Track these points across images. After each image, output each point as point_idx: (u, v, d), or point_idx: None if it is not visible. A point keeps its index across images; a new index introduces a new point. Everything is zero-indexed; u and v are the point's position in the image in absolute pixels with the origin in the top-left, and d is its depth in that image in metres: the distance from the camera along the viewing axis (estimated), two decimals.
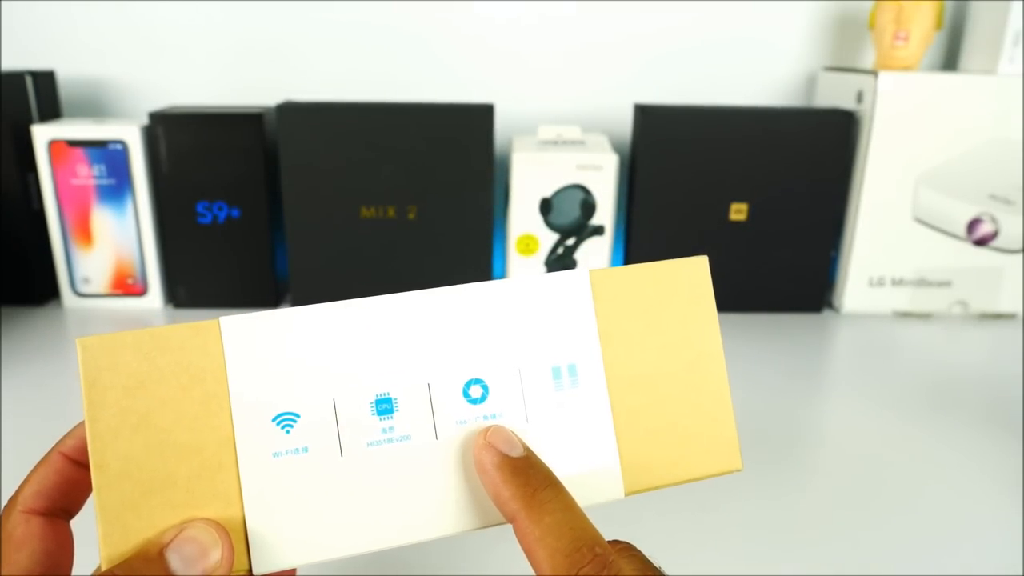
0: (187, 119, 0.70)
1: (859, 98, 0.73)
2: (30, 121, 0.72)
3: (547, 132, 0.74)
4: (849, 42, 0.84)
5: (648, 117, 0.71)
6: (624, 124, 0.82)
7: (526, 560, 0.22)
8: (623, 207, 0.78)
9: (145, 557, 0.21)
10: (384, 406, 0.24)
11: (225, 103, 0.81)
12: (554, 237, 0.72)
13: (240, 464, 0.23)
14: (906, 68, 0.73)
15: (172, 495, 0.22)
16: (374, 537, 0.24)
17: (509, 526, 0.23)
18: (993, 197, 0.73)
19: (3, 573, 0.22)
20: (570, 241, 0.72)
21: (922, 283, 0.76)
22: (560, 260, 0.73)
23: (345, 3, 0.80)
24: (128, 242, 0.72)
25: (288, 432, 0.23)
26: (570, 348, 0.25)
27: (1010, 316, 0.77)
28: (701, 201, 0.73)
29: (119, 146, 0.70)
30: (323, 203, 0.71)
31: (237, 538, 0.22)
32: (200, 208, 0.72)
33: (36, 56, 0.80)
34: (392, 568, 0.38)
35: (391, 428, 0.24)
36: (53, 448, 0.24)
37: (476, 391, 0.25)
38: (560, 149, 0.71)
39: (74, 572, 0.24)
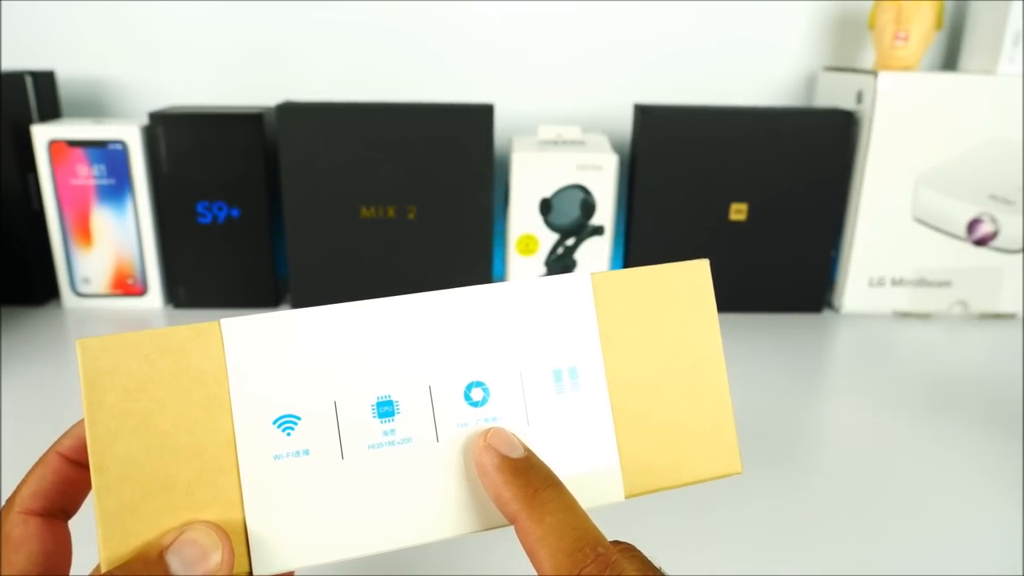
0: (187, 119, 0.70)
1: (859, 98, 0.73)
2: (30, 121, 0.72)
3: (547, 132, 0.74)
4: (849, 42, 0.84)
5: (648, 117, 0.71)
6: (624, 124, 0.82)
7: (526, 561, 0.22)
8: (623, 207, 0.77)
9: (145, 559, 0.21)
10: (385, 408, 0.24)
11: (225, 103, 0.81)
12: (554, 237, 0.72)
13: (241, 466, 0.23)
14: (906, 68, 0.73)
15: (172, 497, 0.22)
16: (375, 539, 0.24)
17: (510, 528, 0.23)
18: (993, 197, 0.73)
19: (2, 574, 0.22)
20: (570, 241, 0.72)
21: (922, 283, 0.76)
22: (560, 260, 0.73)
23: (345, 3, 0.80)
24: (128, 242, 0.72)
25: (289, 434, 0.23)
26: (571, 351, 0.25)
27: (1010, 316, 0.77)
28: (701, 201, 0.73)
29: (119, 146, 0.70)
30: (323, 203, 0.71)
31: (237, 540, 0.22)
32: (200, 208, 0.72)
33: (36, 56, 0.80)
34: (392, 569, 0.38)
35: (392, 431, 0.24)
36: (50, 448, 0.24)
37: (477, 394, 0.25)
38: (560, 149, 0.71)
39: (72, 572, 0.24)
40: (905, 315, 0.77)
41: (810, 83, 0.85)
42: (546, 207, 0.71)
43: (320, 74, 0.82)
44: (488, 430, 0.24)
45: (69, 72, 0.81)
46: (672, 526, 0.42)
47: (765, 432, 0.53)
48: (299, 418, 0.23)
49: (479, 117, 0.69)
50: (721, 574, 0.39)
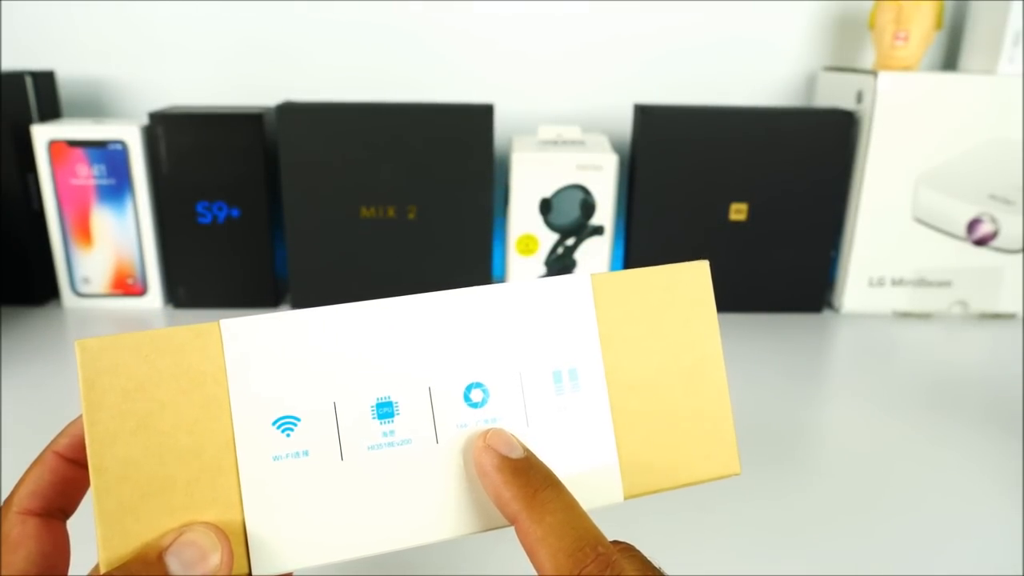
0: (187, 119, 0.70)
1: (859, 98, 0.73)
2: (30, 121, 0.72)
3: (547, 132, 0.74)
4: (849, 42, 0.84)
5: (648, 117, 0.71)
6: (624, 124, 0.82)
7: (526, 561, 0.22)
8: (623, 207, 0.77)
9: (144, 560, 0.21)
10: (385, 410, 0.24)
11: (225, 103, 0.81)
12: (554, 237, 0.72)
13: (240, 467, 0.23)
14: (906, 68, 0.73)
15: (171, 498, 0.22)
16: (374, 540, 0.24)
17: (509, 528, 0.23)
18: (993, 197, 0.73)
19: (1, 574, 0.22)
20: (570, 241, 0.72)
21: (922, 283, 0.76)
22: (560, 260, 0.73)
23: (345, 3, 0.80)
24: (128, 242, 0.72)
25: (288, 435, 0.23)
26: (571, 352, 0.25)
27: (1010, 316, 0.77)
28: (701, 201, 0.73)
29: (119, 146, 0.70)
30: (323, 203, 0.71)
31: (237, 541, 0.22)
32: (200, 208, 0.72)
33: (36, 56, 0.80)
34: (392, 569, 0.38)
35: (392, 432, 0.24)
36: (47, 448, 0.24)
37: (477, 395, 0.25)
38: (560, 149, 0.71)
39: (71, 572, 0.24)
40: (905, 315, 0.77)
41: (810, 83, 0.85)
42: (546, 207, 0.71)
43: (320, 74, 0.82)
44: (487, 431, 0.24)
45: (69, 72, 0.81)
46: (672, 526, 0.42)
47: (765, 432, 0.53)
48: (299, 419, 0.23)
49: (479, 117, 0.69)
50: (721, 574, 0.39)
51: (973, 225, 0.74)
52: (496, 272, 0.80)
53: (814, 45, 0.84)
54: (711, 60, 0.83)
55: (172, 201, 0.71)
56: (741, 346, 0.68)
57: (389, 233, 0.72)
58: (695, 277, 0.27)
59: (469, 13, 0.81)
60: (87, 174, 0.70)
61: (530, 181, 0.70)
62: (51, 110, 0.76)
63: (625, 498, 0.25)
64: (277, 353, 0.23)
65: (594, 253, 0.72)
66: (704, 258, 0.27)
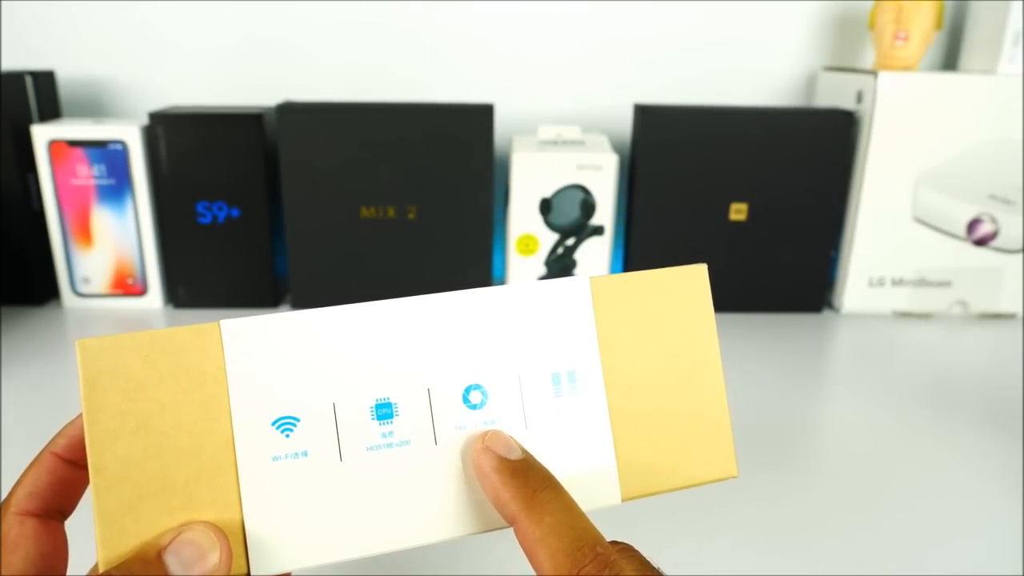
0: (187, 119, 0.70)
1: (859, 98, 0.73)
2: (30, 121, 0.72)
3: (547, 132, 0.74)
4: (849, 42, 0.84)
5: (648, 117, 0.71)
6: (624, 124, 0.82)
7: (525, 561, 0.22)
8: (623, 207, 0.77)
9: (143, 559, 0.21)
10: (384, 411, 0.24)
11: (225, 103, 0.81)
12: (554, 237, 0.72)
13: (239, 467, 0.23)
14: (906, 68, 0.73)
15: (171, 498, 0.22)
16: (372, 541, 0.24)
17: (508, 529, 0.23)
18: (993, 197, 0.73)
19: None
20: (570, 241, 0.72)
21: (922, 283, 0.76)
22: (560, 260, 0.73)
23: (345, 3, 0.80)
24: (128, 242, 0.72)
25: (288, 436, 0.23)
26: (570, 355, 0.25)
27: (1010, 316, 0.77)
28: (701, 201, 0.73)
29: (119, 146, 0.70)
30: (323, 203, 0.71)
31: (235, 541, 0.22)
32: (200, 208, 0.72)
33: (36, 56, 0.80)
34: (391, 569, 0.38)
35: (391, 433, 0.24)
36: (45, 448, 0.24)
37: (476, 397, 0.25)
38: (560, 149, 0.71)
39: (70, 573, 0.24)
40: (905, 315, 0.77)
41: (810, 83, 0.85)
42: (546, 207, 0.71)
43: (320, 74, 0.82)
44: (486, 432, 0.24)
45: (69, 72, 0.81)
46: (671, 526, 0.42)
47: (765, 432, 0.53)
48: (298, 419, 0.23)
49: (479, 117, 0.69)
50: (721, 574, 0.39)
51: (973, 225, 0.74)
52: (496, 272, 0.80)
53: (814, 45, 0.84)
54: (711, 60, 0.83)
55: (172, 201, 0.71)
56: (741, 346, 0.68)
57: (389, 233, 0.72)
58: (693, 280, 0.27)
59: (469, 13, 0.81)
60: (87, 174, 0.70)
61: (530, 181, 0.70)
62: (51, 110, 0.76)
63: (623, 500, 0.25)
64: (277, 353, 0.23)
65: (594, 253, 0.72)
66: (704, 258, 0.27)
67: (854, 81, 0.74)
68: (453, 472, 0.24)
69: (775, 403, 0.58)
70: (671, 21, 0.82)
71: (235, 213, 0.72)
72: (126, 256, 0.73)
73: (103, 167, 0.70)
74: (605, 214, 0.71)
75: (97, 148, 0.70)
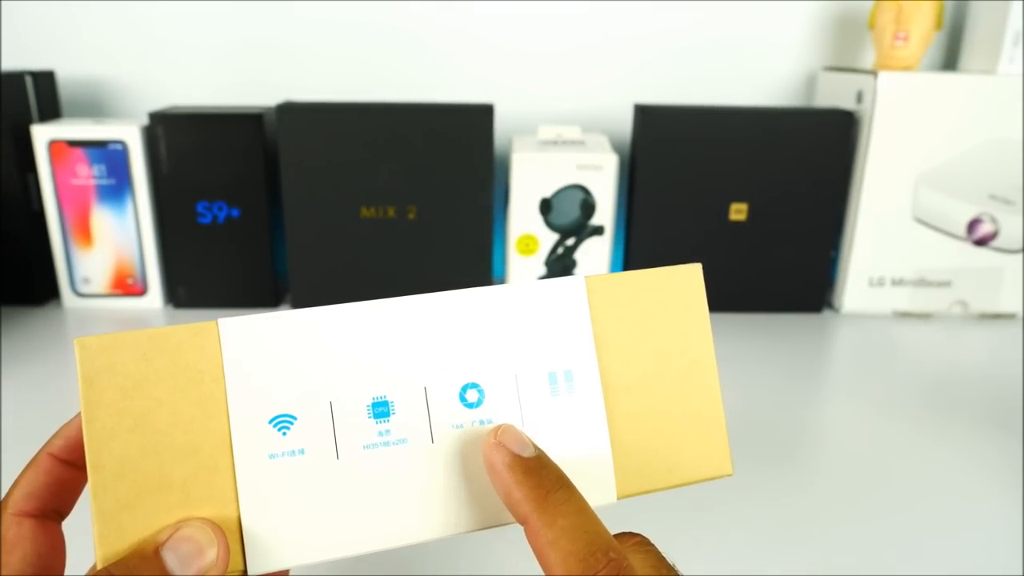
0: (187, 119, 0.70)
1: (859, 98, 0.73)
2: (30, 121, 0.72)
3: (547, 132, 0.74)
4: (849, 42, 0.84)
5: (648, 117, 0.71)
6: (624, 124, 0.82)
7: (524, 560, 0.22)
8: (623, 207, 0.77)
9: (141, 555, 0.21)
10: (381, 409, 0.24)
11: (225, 103, 0.81)
12: (554, 237, 0.72)
13: (236, 465, 0.23)
14: (906, 68, 0.73)
15: (168, 496, 0.22)
16: (369, 538, 0.24)
17: (507, 528, 0.23)
18: (993, 197, 0.73)
19: None
20: (570, 241, 0.72)
21: (922, 283, 0.76)
22: (560, 260, 0.73)
23: (345, 3, 0.80)
24: (128, 242, 0.72)
25: (285, 434, 0.23)
26: (566, 354, 0.26)
27: (1010, 316, 0.76)
28: (701, 201, 0.73)
29: (119, 146, 0.70)
30: (323, 203, 0.71)
31: (233, 539, 0.23)
32: (200, 208, 0.72)
33: (36, 56, 0.80)
34: (389, 568, 0.38)
35: (387, 431, 0.24)
36: (41, 449, 0.24)
37: (472, 395, 0.25)
38: (560, 149, 0.71)
39: (68, 573, 0.24)
40: (905, 315, 0.77)
41: (810, 83, 0.85)
42: (546, 207, 0.71)
43: (320, 74, 0.82)
44: (498, 427, 0.24)
45: (69, 72, 0.81)
46: (671, 526, 0.42)
47: (765, 432, 0.53)
48: (295, 418, 0.23)
49: (479, 117, 0.69)
50: (721, 574, 0.39)
51: (973, 225, 0.74)
52: (496, 272, 0.80)
53: (814, 45, 0.84)
54: (711, 60, 0.83)
55: (172, 201, 0.71)
56: (741, 346, 0.68)
57: (389, 233, 0.72)
58: (688, 280, 0.27)
59: (469, 13, 0.81)
60: (87, 174, 0.70)
61: (530, 181, 0.70)
62: (51, 110, 0.76)
63: (618, 498, 0.26)
64: (274, 352, 0.23)
65: (594, 253, 0.72)
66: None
67: (854, 81, 0.74)
68: (449, 470, 0.24)
69: (775, 403, 0.58)
70: (671, 21, 0.82)
71: (235, 213, 0.72)
72: (126, 256, 0.73)
73: (103, 167, 0.70)
74: (605, 214, 0.71)
75: (97, 148, 0.70)
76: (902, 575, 0.39)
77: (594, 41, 0.82)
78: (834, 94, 0.78)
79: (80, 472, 0.24)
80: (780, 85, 0.85)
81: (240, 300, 0.75)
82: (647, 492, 0.26)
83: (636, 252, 0.74)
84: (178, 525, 0.22)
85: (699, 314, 0.27)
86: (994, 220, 0.73)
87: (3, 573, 0.22)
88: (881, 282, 0.76)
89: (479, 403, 0.25)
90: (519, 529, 0.23)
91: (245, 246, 0.73)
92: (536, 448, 0.24)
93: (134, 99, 0.82)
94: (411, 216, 0.72)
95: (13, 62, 0.80)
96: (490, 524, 0.24)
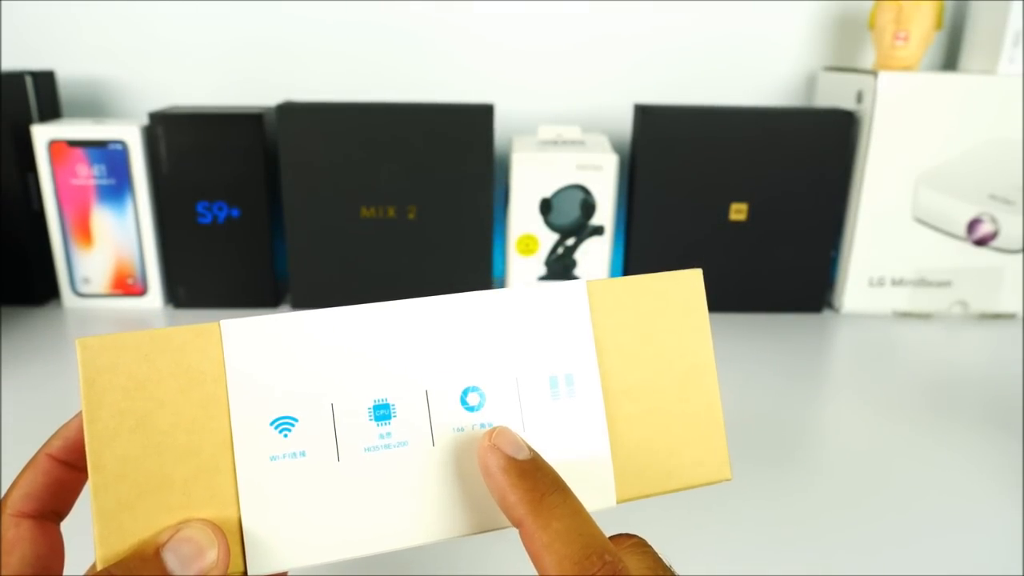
0: (187, 119, 0.70)
1: (859, 98, 0.73)
2: (30, 121, 0.72)
3: (547, 132, 0.74)
4: (849, 42, 0.84)
5: (648, 117, 0.71)
6: (624, 124, 0.82)
7: (523, 561, 0.22)
8: (623, 207, 0.77)
9: (141, 556, 0.21)
10: (382, 412, 0.24)
11: (225, 103, 0.81)
12: (554, 237, 0.72)
13: (237, 467, 0.23)
14: (906, 68, 0.73)
15: (169, 497, 0.22)
16: (369, 541, 0.24)
17: (506, 530, 0.23)
18: (993, 197, 0.73)
19: None
20: (570, 241, 0.72)
21: (922, 283, 0.76)
22: (560, 260, 0.73)
23: (345, 3, 0.80)
24: (128, 242, 0.72)
25: (286, 436, 0.23)
26: (567, 358, 0.26)
27: (1010, 316, 0.76)
28: (701, 201, 0.73)
29: (119, 146, 0.70)
30: (323, 203, 0.71)
31: (233, 540, 0.23)
32: (200, 208, 0.72)
33: (36, 56, 0.80)
34: (388, 569, 0.38)
35: (388, 434, 0.24)
36: (40, 450, 0.24)
37: (474, 399, 0.25)
38: (560, 149, 0.71)
39: (66, 573, 0.24)
40: (905, 315, 0.77)
41: (810, 83, 0.85)
42: (546, 207, 0.71)
43: (320, 74, 0.82)
44: (493, 430, 0.24)
45: (69, 72, 0.81)
46: (671, 526, 0.42)
47: (765, 432, 0.53)
48: (296, 420, 0.23)
49: (479, 117, 0.69)
50: (721, 574, 0.39)
51: (973, 225, 0.74)
52: (496, 272, 0.80)
53: (814, 45, 0.84)
54: (711, 60, 0.83)
55: (172, 201, 0.71)
56: (741, 346, 0.68)
57: (389, 233, 0.72)
58: (689, 285, 0.27)
59: (469, 13, 0.81)
60: (87, 174, 0.70)
61: (530, 181, 0.70)
62: (51, 110, 0.76)
63: (618, 502, 0.26)
64: (276, 354, 0.23)
65: (594, 253, 0.72)
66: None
67: (854, 81, 0.74)
68: (450, 473, 0.24)
69: (775, 403, 0.58)
70: (671, 21, 0.82)
71: (235, 213, 0.72)
72: (126, 256, 0.73)
73: (103, 167, 0.70)
74: (605, 214, 0.71)
75: (97, 148, 0.70)
76: (902, 575, 0.39)
77: (594, 41, 0.82)
78: (834, 94, 0.78)
79: (79, 473, 0.24)
80: (780, 85, 0.85)
81: (240, 300, 0.75)
82: (646, 496, 0.26)
83: (636, 252, 0.74)
84: (179, 526, 0.22)
85: (699, 319, 0.27)
86: (994, 220, 0.73)
87: (2, 574, 0.22)
88: (881, 282, 0.76)
89: (480, 406, 0.25)
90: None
91: (245, 246, 0.73)
92: (531, 451, 0.23)
93: (134, 99, 0.82)
94: (411, 216, 0.72)
95: (13, 62, 0.80)
96: (491, 527, 0.24)
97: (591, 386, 0.26)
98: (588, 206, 0.71)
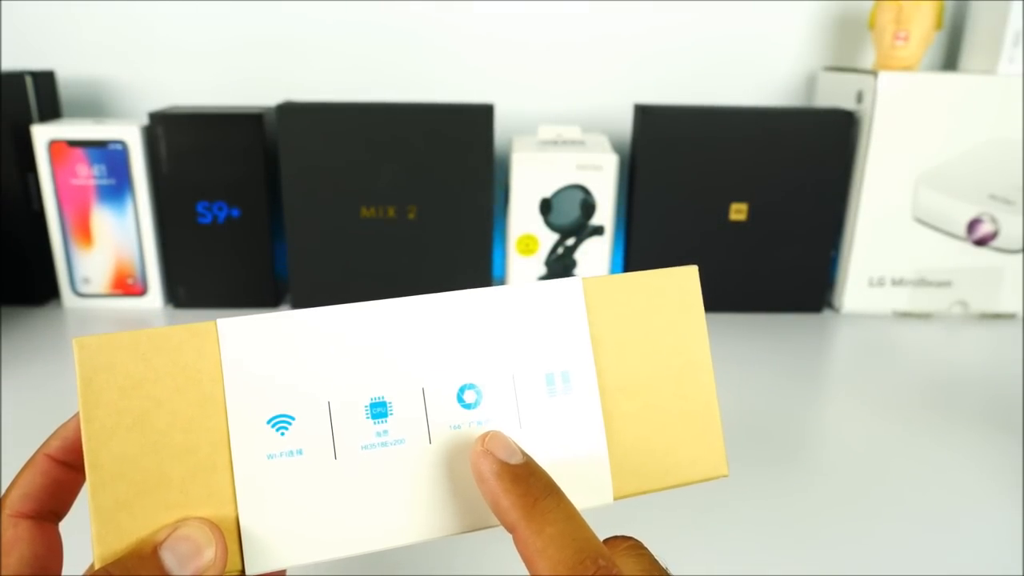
0: (187, 119, 0.70)
1: (859, 98, 0.73)
2: (30, 121, 0.72)
3: (547, 132, 0.74)
4: (849, 42, 0.84)
5: (648, 117, 0.71)
6: (624, 124, 0.82)
7: (520, 560, 0.22)
8: (623, 207, 0.77)
9: (139, 555, 0.21)
10: (379, 410, 0.24)
11: (225, 103, 0.81)
12: (554, 237, 0.72)
13: (234, 465, 0.23)
14: (906, 68, 0.73)
15: (166, 495, 0.22)
16: (367, 538, 0.24)
17: (502, 527, 0.23)
18: (993, 197, 0.73)
19: None
20: (570, 241, 0.72)
21: (922, 283, 0.76)
22: (560, 260, 0.73)
23: (345, 3, 0.80)
24: (128, 242, 0.73)
25: (283, 434, 0.23)
26: (563, 355, 0.26)
27: (1010, 316, 0.76)
28: (701, 201, 0.73)
29: (119, 146, 0.70)
30: (323, 203, 0.71)
31: (230, 538, 0.23)
32: (200, 208, 0.72)
33: (36, 56, 0.80)
34: (385, 568, 0.38)
35: (385, 432, 0.24)
36: (38, 450, 0.24)
37: (470, 396, 0.25)
38: (560, 149, 0.71)
39: (65, 573, 0.24)
40: (905, 315, 0.77)
41: (810, 83, 0.85)
42: (546, 207, 0.71)
43: (320, 74, 0.82)
44: (486, 434, 0.24)
45: (69, 72, 0.81)
46: (670, 526, 0.42)
47: (765, 432, 0.53)
48: (293, 418, 0.23)
49: (479, 117, 0.69)
50: (721, 574, 0.39)
51: (973, 225, 0.74)
52: (496, 272, 0.80)
53: (814, 45, 0.84)
54: (711, 60, 0.83)
55: (172, 201, 0.71)
56: (741, 346, 0.68)
57: (389, 233, 0.72)
58: (685, 282, 0.27)
59: (469, 13, 0.81)
60: (87, 174, 0.70)
61: (530, 181, 0.70)
62: (51, 110, 0.76)
63: (615, 499, 0.26)
64: (273, 352, 0.23)
65: (594, 253, 0.72)
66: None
67: (854, 81, 0.74)
68: (447, 471, 0.24)
69: (775, 403, 0.58)
70: (671, 21, 0.82)
71: (235, 213, 0.72)
72: (126, 256, 0.73)
73: (103, 167, 0.70)
74: (605, 214, 0.71)
75: (97, 148, 0.70)
76: (901, 575, 0.39)
77: (594, 41, 0.82)
78: (834, 94, 0.78)
79: (77, 473, 0.24)
80: (780, 85, 0.85)
81: (240, 300, 0.75)
82: (643, 493, 0.26)
83: (636, 252, 0.74)
84: (176, 525, 0.22)
85: (695, 315, 0.27)
86: (994, 220, 0.73)
87: (1, 574, 0.22)
88: (881, 282, 0.76)
89: (477, 404, 0.25)
90: None
91: (245, 246, 0.73)
92: (524, 455, 0.23)
93: (134, 99, 0.82)
94: (411, 216, 0.72)
95: (13, 62, 0.80)
96: (488, 524, 0.24)
97: (587, 383, 0.26)
98: (588, 206, 0.71)
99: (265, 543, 0.23)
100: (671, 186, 0.73)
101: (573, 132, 0.75)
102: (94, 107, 0.83)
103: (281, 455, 0.23)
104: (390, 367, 0.24)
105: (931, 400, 0.59)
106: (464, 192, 0.71)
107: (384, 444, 0.24)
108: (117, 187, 0.71)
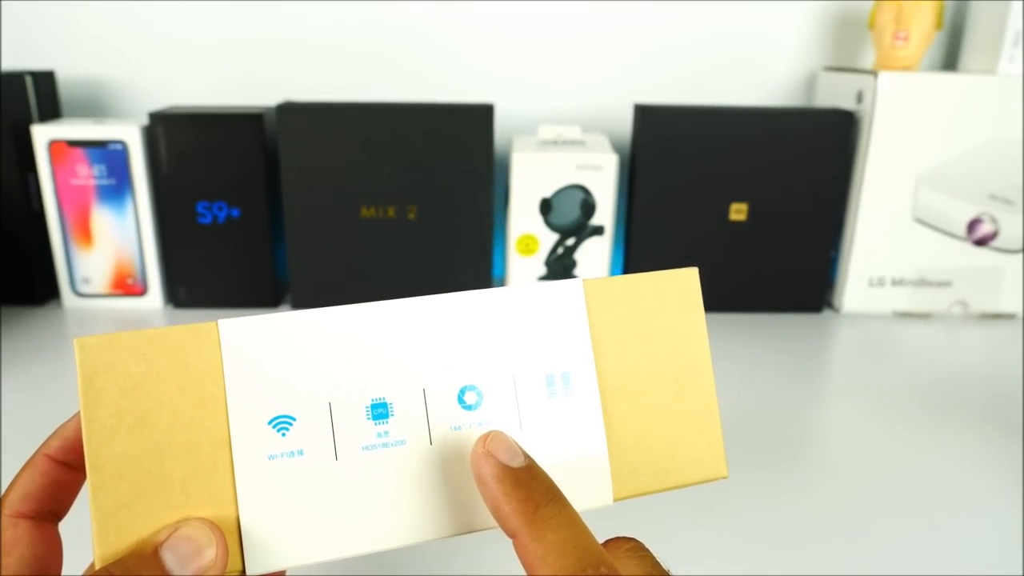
0: (187, 119, 0.70)
1: (859, 98, 0.73)
2: (30, 121, 0.72)
3: (547, 132, 0.74)
4: (849, 42, 0.84)
5: (648, 117, 0.71)
6: (624, 124, 0.82)
7: (522, 568, 0.22)
8: (623, 207, 0.77)
9: (140, 555, 0.21)
10: (379, 411, 0.24)
11: (225, 103, 0.81)
12: (554, 237, 0.72)
13: (235, 466, 0.23)
14: (906, 68, 0.73)
15: (167, 496, 0.22)
16: (367, 539, 0.24)
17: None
18: (993, 197, 0.73)
19: None
20: (570, 241, 0.72)
21: (922, 283, 0.76)
22: (560, 260, 0.73)
23: (345, 3, 0.80)
24: (128, 242, 0.73)
25: (284, 435, 0.23)
26: (564, 356, 0.26)
27: (1010, 316, 0.76)
28: (701, 201, 0.73)
29: (119, 146, 0.70)
30: (323, 203, 0.71)
31: (231, 539, 0.23)
32: (200, 208, 0.72)
33: (36, 56, 0.80)
34: (385, 568, 0.38)
35: (386, 432, 0.24)
36: (38, 450, 0.24)
37: (471, 397, 0.25)
38: (560, 149, 0.71)
39: (64, 574, 0.24)
40: (905, 315, 0.77)
41: (810, 83, 0.85)
42: (546, 207, 0.71)
43: (320, 74, 0.82)
44: (487, 435, 0.23)
45: (69, 72, 0.81)
46: (671, 526, 0.42)
47: (765, 432, 0.53)
48: (294, 419, 0.23)
49: (479, 117, 0.69)
50: (721, 574, 0.39)
51: (973, 225, 0.74)
52: (496, 272, 0.80)
53: (814, 45, 0.84)
54: (711, 60, 0.83)
55: (172, 201, 0.71)
56: (741, 346, 0.68)
57: (389, 233, 0.72)
58: (685, 283, 0.27)
59: (469, 13, 0.81)
60: (87, 174, 0.70)
61: (530, 181, 0.70)
62: (51, 110, 0.76)
63: (615, 500, 0.26)
64: (274, 353, 0.23)
65: (594, 253, 0.72)
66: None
67: (854, 81, 0.74)
68: (448, 472, 0.24)
69: (775, 403, 0.58)
70: (670, 21, 0.82)
71: (235, 213, 0.72)
72: (126, 256, 0.73)
73: (103, 167, 0.70)
74: (605, 214, 0.71)
75: (97, 148, 0.70)
76: (901, 574, 0.39)
77: (594, 41, 0.82)
78: (834, 94, 0.78)
79: (76, 473, 0.24)
80: (780, 85, 0.85)
81: (240, 300, 0.75)
82: (644, 494, 0.26)
83: (636, 252, 0.74)
84: (177, 525, 0.22)
85: (695, 317, 0.27)
86: (994, 220, 0.73)
87: (1, 574, 0.22)
88: (881, 282, 0.76)
89: (477, 405, 0.25)
90: None
91: (245, 246, 0.73)
92: (526, 457, 0.23)
93: (134, 99, 0.82)
94: (411, 216, 0.72)
95: (13, 62, 0.80)
96: (488, 526, 0.24)
97: (588, 384, 0.26)
98: (588, 206, 0.71)
99: (266, 543, 0.23)
100: (671, 186, 0.73)
101: (573, 132, 0.75)
102: (94, 107, 0.83)
103: (282, 455, 0.23)
104: (391, 368, 0.24)
105: (931, 400, 0.59)
106: (464, 192, 0.71)
107: (385, 445, 0.24)
108: (117, 187, 0.71)
